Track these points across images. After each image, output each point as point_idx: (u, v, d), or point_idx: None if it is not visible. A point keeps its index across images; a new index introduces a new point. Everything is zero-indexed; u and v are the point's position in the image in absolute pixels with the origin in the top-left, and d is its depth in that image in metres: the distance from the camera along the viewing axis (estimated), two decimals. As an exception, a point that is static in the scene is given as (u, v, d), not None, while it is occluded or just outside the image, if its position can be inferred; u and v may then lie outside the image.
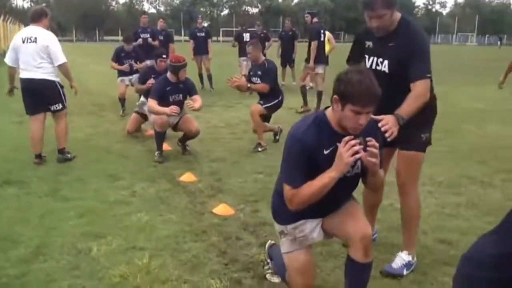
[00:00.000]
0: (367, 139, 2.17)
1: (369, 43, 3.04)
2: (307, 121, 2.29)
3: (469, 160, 5.70)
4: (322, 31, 9.61)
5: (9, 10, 57.78)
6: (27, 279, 2.87)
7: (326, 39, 11.05)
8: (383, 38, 2.90)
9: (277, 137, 6.62)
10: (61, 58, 5.29)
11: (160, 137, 5.71)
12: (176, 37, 12.70)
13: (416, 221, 3.17)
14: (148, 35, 10.02)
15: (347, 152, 2.11)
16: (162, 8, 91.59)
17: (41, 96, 5.31)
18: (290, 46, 13.08)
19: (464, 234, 3.60)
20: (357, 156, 2.13)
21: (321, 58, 9.50)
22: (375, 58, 2.99)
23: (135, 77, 8.22)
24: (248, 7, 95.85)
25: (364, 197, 3.37)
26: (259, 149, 6.06)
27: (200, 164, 5.49)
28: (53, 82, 5.34)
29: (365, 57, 3.07)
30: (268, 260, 2.97)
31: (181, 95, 5.82)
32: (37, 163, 5.33)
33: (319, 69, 9.56)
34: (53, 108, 5.43)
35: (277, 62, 8.77)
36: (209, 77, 12.16)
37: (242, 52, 11.79)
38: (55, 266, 3.02)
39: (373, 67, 2.99)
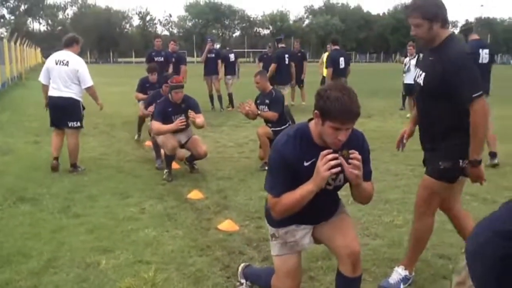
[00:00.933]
0: (350, 151, 2.21)
1: (421, 55, 3.15)
2: (289, 133, 2.38)
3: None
4: (286, 55, 11.49)
5: (25, 34, 59.16)
6: (38, 291, 3.00)
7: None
8: (429, 52, 2.96)
9: None
10: (89, 82, 6.01)
11: (169, 158, 5.80)
12: (189, 59, 13.02)
13: (421, 246, 3.17)
14: (162, 58, 10.24)
15: (323, 166, 2.16)
16: (175, 31, 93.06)
17: (64, 112, 5.94)
18: (300, 66, 13.31)
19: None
20: (334, 170, 2.17)
21: (284, 79, 11.20)
22: (418, 70, 3.04)
23: None
24: (260, 29, 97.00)
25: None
26: (266, 168, 6.16)
27: (208, 181, 5.62)
28: (77, 101, 6.00)
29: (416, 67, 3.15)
30: (242, 281, 3.07)
31: (183, 115, 5.70)
32: (53, 164, 6.00)
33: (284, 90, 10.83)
34: (71, 124, 5.99)
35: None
36: (219, 98, 12.40)
37: (227, 71, 12.90)
38: (65, 279, 3.15)
39: (416, 78, 3.04)
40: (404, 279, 3.13)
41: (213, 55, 12.49)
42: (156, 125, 5.63)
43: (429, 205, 3.04)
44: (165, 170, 5.79)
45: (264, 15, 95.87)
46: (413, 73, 11.01)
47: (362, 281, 3.14)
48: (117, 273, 3.23)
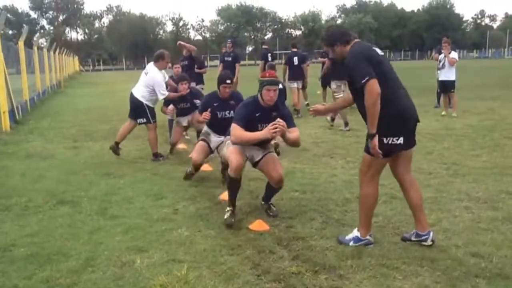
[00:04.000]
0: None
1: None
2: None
3: (509, 175, 5.61)
4: (269, 54, 12.97)
5: (64, 43, 61.10)
6: (77, 288, 3.14)
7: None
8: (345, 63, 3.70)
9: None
10: (161, 95, 7.12)
11: (234, 185, 4.40)
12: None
13: (362, 211, 3.72)
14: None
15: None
16: (207, 35, 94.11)
17: (132, 109, 7.27)
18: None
19: (498, 248, 3.60)
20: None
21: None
22: (346, 78, 3.81)
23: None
24: (291, 30, 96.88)
25: (407, 199, 3.79)
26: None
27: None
28: (142, 103, 7.10)
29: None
30: None
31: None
32: (112, 147, 7.25)
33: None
34: (138, 121, 7.22)
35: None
36: None
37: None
38: (102, 277, 3.28)
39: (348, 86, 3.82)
40: (355, 239, 3.70)
41: (230, 59, 12.03)
42: (238, 131, 4.30)
43: (365, 175, 3.66)
44: (227, 209, 4.41)
45: (295, 16, 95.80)
46: (447, 69, 10.85)
47: (393, 278, 3.17)
48: (151, 271, 3.34)
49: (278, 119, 4.07)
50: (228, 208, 4.39)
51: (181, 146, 7.98)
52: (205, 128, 5.86)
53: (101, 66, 74.86)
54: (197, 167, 5.71)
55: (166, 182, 5.83)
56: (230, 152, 4.42)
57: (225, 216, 4.32)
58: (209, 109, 5.58)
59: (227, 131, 4.85)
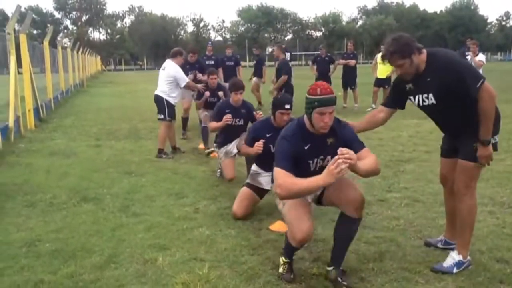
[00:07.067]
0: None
1: (409, 86, 3.31)
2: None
3: (535, 180, 5.50)
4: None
5: (86, 43, 62.03)
6: (100, 284, 3.18)
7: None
8: (420, 77, 3.18)
9: None
10: (183, 82, 7.36)
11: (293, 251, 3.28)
12: (242, 63, 13.15)
13: (468, 228, 3.32)
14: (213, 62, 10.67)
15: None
16: (228, 36, 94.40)
17: (156, 106, 7.46)
18: (353, 68, 13.18)
19: (523, 254, 3.53)
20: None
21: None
22: (420, 96, 3.26)
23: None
24: (312, 31, 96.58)
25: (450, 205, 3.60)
26: None
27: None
28: (162, 98, 7.32)
29: (410, 98, 3.37)
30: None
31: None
32: (165, 153, 7.37)
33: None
34: (158, 116, 7.45)
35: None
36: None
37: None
38: (124, 274, 3.33)
39: (421, 104, 3.29)
40: (458, 264, 3.28)
41: (232, 63, 11.72)
42: (287, 179, 2.89)
43: (469, 187, 3.27)
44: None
45: (316, 17, 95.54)
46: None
47: (415, 283, 3.14)
48: (173, 269, 3.37)
49: (341, 149, 2.71)
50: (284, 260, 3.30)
51: (201, 146, 7.99)
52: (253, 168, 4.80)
53: (123, 66, 75.77)
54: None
55: (187, 181, 5.87)
56: (290, 214, 3.13)
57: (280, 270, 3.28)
58: (261, 140, 4.50)
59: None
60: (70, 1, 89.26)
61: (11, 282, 3.20)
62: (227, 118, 5.59)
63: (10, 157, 7.26)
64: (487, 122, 3.04)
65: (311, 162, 3.13)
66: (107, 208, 4.79)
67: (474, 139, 3.11)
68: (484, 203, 4.70)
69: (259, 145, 4.47)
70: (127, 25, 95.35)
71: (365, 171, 2.89)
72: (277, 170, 2.92)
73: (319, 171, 2.88)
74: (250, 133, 4.75)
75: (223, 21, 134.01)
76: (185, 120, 9.21)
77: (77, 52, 26.99)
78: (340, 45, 78.22)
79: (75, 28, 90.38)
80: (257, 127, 4.78)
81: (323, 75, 12.36)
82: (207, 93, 7.58)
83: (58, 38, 20.90)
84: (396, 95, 3.47)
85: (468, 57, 10.85)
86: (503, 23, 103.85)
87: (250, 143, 4.66)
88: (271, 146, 4.26)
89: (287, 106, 4.34)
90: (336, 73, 13.57)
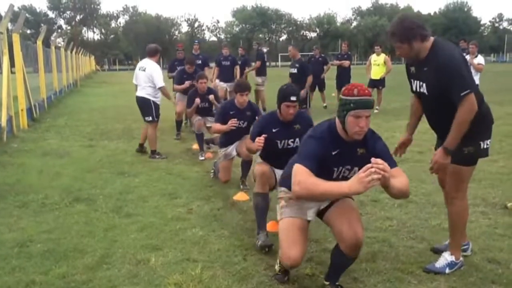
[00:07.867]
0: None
1: (412, 68, 3.30)
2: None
3: (527, 181, 5.54)
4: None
5: (80, 43, 61.80)
6: (92, 285, 3.17)
7: (382, 61, 11.51)
8: (420, 64, 3.15)
9: None
10: (159, 84, 7.19)
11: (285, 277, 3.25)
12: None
13: (459, 229, 3.36)
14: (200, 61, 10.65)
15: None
16: (222, 36, 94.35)
17: (141, 109, 7.38)
18: (347, 69, 13.21)
19: (515, 254, 3.55)
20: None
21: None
22: (417, 82, 3.27)
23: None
24: (306, 32, 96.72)
25: None
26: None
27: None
28: (148, 100, 7.23)
29: (411, 81, 3.35)
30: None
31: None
32: (137, 149, 7.63)
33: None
34: (145, 119, 7.35)
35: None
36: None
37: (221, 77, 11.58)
38: (117, 274, 3.31)
39: (417, 89, 3.28)
40: (451, 264, 3.29)
41: (228, 63, 11.57)
42: (308, 178, 2.64)
43: (460, 190, 3.28)
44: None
45: (311, 18, 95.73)
46: (473, 73, 10.54)
47: (408, 283, 3.15)
48: (166, 269, 3.36)
49: (374, 159, 2.41)
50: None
51: (195, 146, 7.97)
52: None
53: (117, 66, 75.45)
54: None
55: (180, 182, 5.86)
56: (283, 235, 3.01)
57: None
58: (263, 135, 4.08)
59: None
60: (64, 1, 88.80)
61: (2, 283, 3.18)
62: (233, 122, 5.21)
63: (2, 157, 7.22)
64: (458, 132, 2.98)
65: (335, 169, 2.83)
66: (100, 209, 4.77)
67: (465, 143, 3.07)
68: (476, 204, 4.72)
69: (259, 141, 4.04)
70: (121, 25, 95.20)
71: (397, 190, 2.57)
72: (298, 167, 2.64)
73: (341, 180, 2.68)
74: (255, 128, 4.33)
75: (218, 22, 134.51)
76: (178, 122, 9.18)
77: (71, 52, 26.85)
78: (334, 46, 78.37)
79: (69, 27, 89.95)
80: (263, 121, 4.36)
81: (316, 76, 12.32)
82: (198, 101, 7.27)
83: (52, 38, 20.77)
84: (409, 80, 3.40)
85: (468, 57, 10.79)
86: (496, 24, 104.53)
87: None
88: (278, 142, 4.10)
89: (293, 98, 3.94)
90: (331, 74, 13.61)
